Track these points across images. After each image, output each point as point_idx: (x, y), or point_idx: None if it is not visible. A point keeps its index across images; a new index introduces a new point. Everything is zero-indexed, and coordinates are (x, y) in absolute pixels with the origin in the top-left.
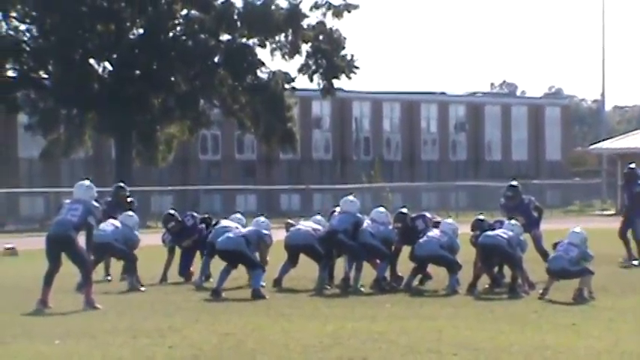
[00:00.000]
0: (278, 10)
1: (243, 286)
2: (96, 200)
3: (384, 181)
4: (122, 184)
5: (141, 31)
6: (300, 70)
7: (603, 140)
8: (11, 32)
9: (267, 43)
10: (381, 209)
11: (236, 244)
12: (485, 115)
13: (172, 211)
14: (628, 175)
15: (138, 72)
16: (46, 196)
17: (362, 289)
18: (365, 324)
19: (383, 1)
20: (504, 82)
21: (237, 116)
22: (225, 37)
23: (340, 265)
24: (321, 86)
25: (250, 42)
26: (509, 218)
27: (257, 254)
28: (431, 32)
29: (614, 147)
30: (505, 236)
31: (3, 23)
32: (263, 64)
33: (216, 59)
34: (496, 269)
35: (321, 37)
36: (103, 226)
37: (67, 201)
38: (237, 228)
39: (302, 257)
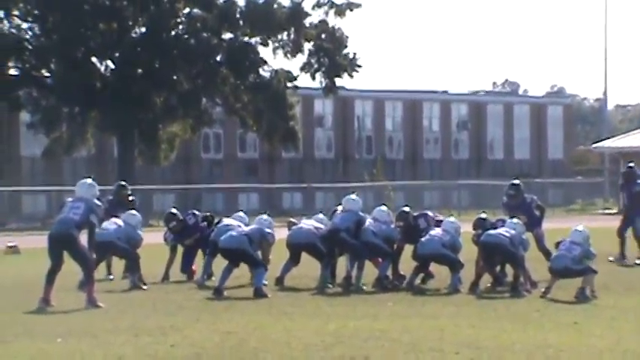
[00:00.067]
0: (280, 8)
1: (245, 284)
2: (98, 199)
3: (386, 180)
4: (123, 183)
5: (143, 29)
6: (302, 69)
7: (605, 139)
8: (13, 30)
9: (270, 42)
10: (383, 208)
11: (239, 243)
12: (487, 113)
13: (174, 210)
14: (627, 175)
15: (140, 70)
16: (48, 194)
17: (364, 287)
18: (367, 322)
19: None
20: (507, 80)
21: (239, 115)
22: (227, 35)
23: (342, 263)
24: (324, 85)
25: (252, 40)
26: (512, 217)
27: (259, 253)
28: (433, 31)
29: (616, 146)
30: (507, 235)
31: (5, 22)
32: (265, 62)
33: (218, 58)
34: (498, 268)
35: (323, 36)
36: (105, 224)
37: (70, 199)
38: (239, 226)
39: (304, 256)
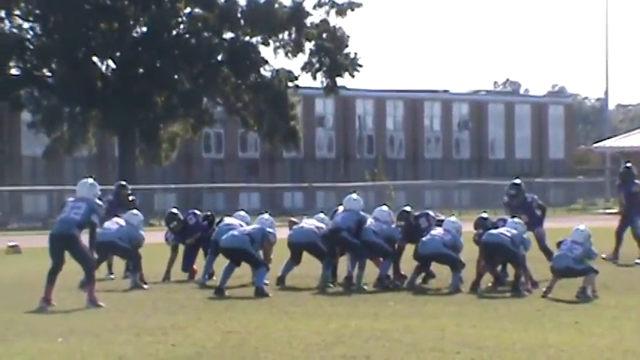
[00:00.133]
0: (281, 8)
1: (247, 284)
2: (99, 198)
3: (387, 180)
4: (124, 183)
5: (144, 29)
6: (303, 69)
7: (606, 139)
8: (15, 30)
9: (271, 42)
10: (384, 208)
11: (240, 242)
12: (488, 113)
13: (175, 210)
14: (624, 175)
15: (141, 70)
16: (49, 194)
17: (365, 287)
18: (368, 322)
19: None
20: (508, 80)
21: (240, 114)
22: (228, 35)
23: (343, 263)
24: (325, 84)
25: (253, 40)
26: (513, 216)
27: (261, 252)
28: (434, 30)
29: (617, 145)
30: (508, 234)
31: (6, 21)
32: (266, 62)
33: (219, 57)
34: (499, 268)
35: (324, 36)
36: (107, 224)
37: (71, 199)
38: (241, 226)
39: (305, 255)
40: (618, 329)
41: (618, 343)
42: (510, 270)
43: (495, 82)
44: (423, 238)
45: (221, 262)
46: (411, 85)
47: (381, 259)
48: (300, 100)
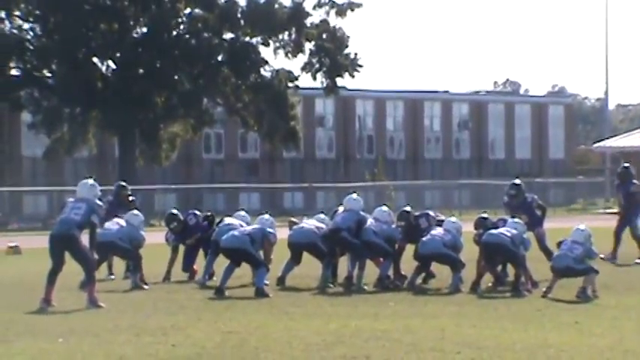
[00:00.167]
0: (281, 8)
1: (247, 284)
2: (99, 199)
3: (387, 180)
4: (123, 183)
5: (144, 29)
6: (303, 69)
7: (606, 139)
8: (15, 31)
9: (271, 42)
10: (384, 208)
11: (240, 243)
12: (488, 113)
13: (175, 211)
14: (622, 175)
15: (141, 71)
16: (49, 194)
17: (365, 287)
18: (368, 322)
19: None
20: (507, 80)
21: (240, 115)
22: (228, 35)
23: (343, 263)
24: (325, 85)
25: (253, 40)
26: (513, 216)
27: (261, 253)
28: (434, 31)
29: (617, 145)
30: (508, 234)
31: (6, 22)
32: (266, 62)
33: (219, 58)
34: (499, 268)
35: (324, 36)
36: (107, 224)
37: (71, 200)
38: (241, 226)
39: (305, 255)
40: (618, 329)
41: (618, 343)
42: (510, 270)
43: (495, 82)
44: (423, 238)
45: (221, 263)
46: (411, 85)
47: (381, 259)
48: (300, 100)
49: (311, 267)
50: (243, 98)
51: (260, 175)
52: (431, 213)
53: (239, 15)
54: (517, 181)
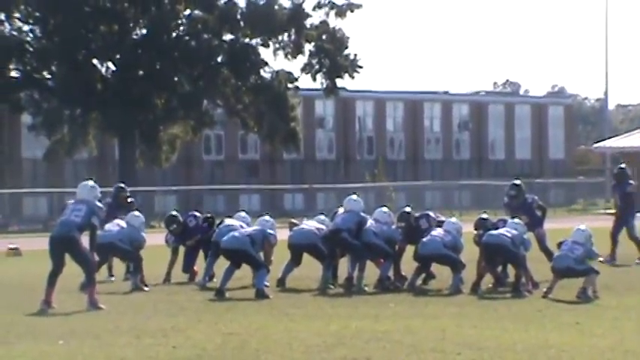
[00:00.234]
0: (281, 9)
1: (247, 285)
2: (99, 200)
3: (387, 181)
4: (122, 185)
5: (144, 31)
6: (303, 70)
7: (606, 139)
8: (14, 33)
9: (270, 43)
10: (384, 209)
11: (241, 244)
12: (488, 114)
13: (174, 213)
14: (618, 176)
15: (141, 72)
16: (49, 196)
17: (365, 288)
18: (368, 323)
19: (386, 0)
20: (507, 81)
21: (240, 116)
22: (228, 37)
23: (344, 264)
24: (325, 86)
25: (253, 42)
26: (513, 217)
27: (261, 254)
28: (434, 31)
29: (617, 146)
30: (509, 235)
31: (6, 24)
32: (266, 63)
33: (219, 59)
34: (500, 268)
35: (324, 37)
36: (108, 226)
37: (71, 201)
38: (242, 227)
39: (305, 257)
40: (619, 330)
41: (619, 344)
42: (511, 271)
43: (495, 83)
44: (424, 239)
45: (221, 264)
46: (411, 86)
47: (382, 260)
48: (300, 101)
49: (311, 268)
50: (243, 99)
51: (260, 177)
52: (431, 214)
53: (239, 16)
54: (517, 182)
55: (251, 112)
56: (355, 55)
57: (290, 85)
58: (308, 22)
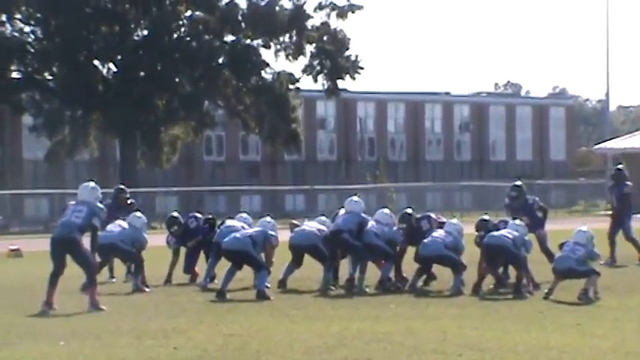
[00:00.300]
0: (282, 11)
1: (248, 287)
2: (100, 202)
3: (388, 182)
4: (122, 187)
5: (145, 32)
6: (304, 71)
7: (608, 140)
8: (16, 34)
9: (272, 44)
10: (386, 210)
11: (242, 245)
12: (489, 115)
13: (175, 214)
14: (616, 176)
15: (142, 73)
16: (50, 197)
17: (367, 289)
18: (370, 325)
19: (387, 1)
20: (509, 82)
21: (241, 117)
22: (229, 38)
23: (345, 265)
24: (326, 87)
25: (254, 43)
26: (514, 218)
27: (262, 255)
28: (435, 32)
29: (618, 147)
30: (510, 236)
31: (8, 25)
32: (267, 64)
33: (220, 60)
34: (501, 270)
35: (325, 38)
36: (110, 227)
37: (72, 202)
38: (243, 228)
39: (306, 258)
40: (620, 331)
41: (620, 345)
42: (512, 272)
43: (496, 84)
44: (425, 240)
45: (223, 265)
46: (412, 87)
47: (383, 261)
48: (301, 102)
49: (312, 269)
50: (244, 100)
51: (261, 178)
52: (432, 215)
53: (240, 17)
54: (518, 183)
55: (252, 113)
56: (356, 56)
57: (291, 86)
58: (309, 24)
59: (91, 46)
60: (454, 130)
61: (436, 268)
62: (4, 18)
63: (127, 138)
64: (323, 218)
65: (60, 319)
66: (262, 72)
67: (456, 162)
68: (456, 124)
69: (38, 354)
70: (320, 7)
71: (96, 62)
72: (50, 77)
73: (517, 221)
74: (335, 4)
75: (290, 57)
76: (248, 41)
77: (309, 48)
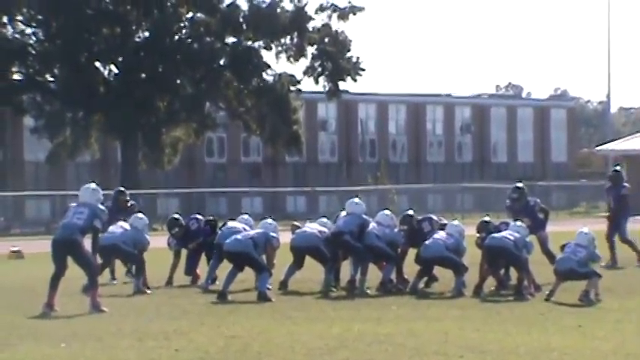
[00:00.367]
0: (283, 12)
1: (250, 288)
2: (102, 203)
3: (389, 183)
4: (122, 189)
5: (146, 34)
6: (305, 73)
7: (609, 142)
8: (17, 36)
9: (273, 46)
10: (387, 212)
11: (243, 246)
12: (490, 116)
13: (176, 216)
14: (614, 178)
15: (143, 75)
16: (52, 199)
17: (368, 291)
18: (371, 326)
19: (388, 3)
20: (510, 83)
21: (242, 119)
22: (230, 39)
23: (346, 267)
24: (327, 88)
25: (256, 44)
26: (515, 220)
27: (263, 257)
28: (436, 34)
29: (619, 148)
30: (511, 238)
31: (9, 27)
32: (268, 66)
33: (221, 62)
34: (502, 271)
35: (326, 40)
36: (112, 228)
37: (73, 204)
38: (244, 229)
39: (308, 259)
40: (621, 332)
41: (621, 347)
42: (513, 273)
43: (497, 86)
44: (426, 242)
45: (224, 267)
46: (414, 88)
47: (384, 263)
48: (302, 104)
49: (313, 271)
50: (246, 102)
51: (262, 179)
52: (433, 217)
53: (241, 19)
54: (519, 185)
55: (253, 114)
56: (358, 57)
57: (292, 88)
58: (310, 25)
59: (92, 47)
60: (455, 131)
61: (437, 270)
62: (5, 19)
63: (129, 140)
64: (324, 220)
65: (61, 321)
66: (263, 74)
67: (457, 163)
68: (457, 126)
69: (39, 355)
70: (321, 8)
71: (97, 64)
72: (51, 79)
73: (518, 223)
74: (336, 6)
75: (291, 59)
76: (249, 43)
77: (311, 50)
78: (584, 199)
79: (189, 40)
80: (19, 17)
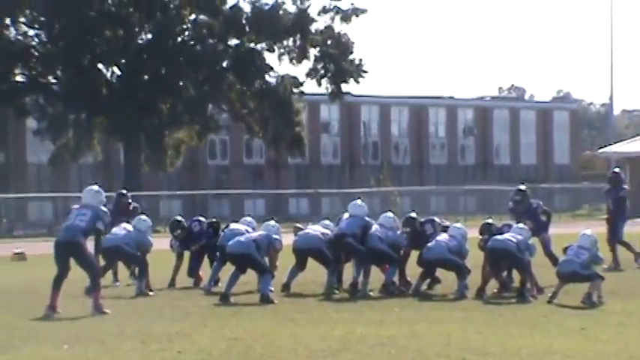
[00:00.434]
0: (286, 14)
1: (252, 290)
2: (104, 205)
3: (392, 186)
4: (124, 192)
5: (149, 36)
6: (308, 75)
7: (612, 144)
8: (20, 37)
9: (276, 48)
10: (390, 214)
11: (246, 248)
12: (493, 119)
13: (179, 218)
14: (613, 180)
15: (146, 77)
16: (54, 201)
17: (370, 293)
18: (374, 328)
19: (391, 5)
20: (512, 86)
21: (245, 121)
22: (233, 41)
23: (349, 269)
24: (330, 91)
25: (258, 47)
26: (518, 222)
27: (266, 259)
28: (439, 36)
29: (622, 151)
30: (514, 240)
31: (12, 28)
32: (271, 68)
33: (224, 64)
34: (505, 273)
35: (329, 42)
36: (115, 230)
37: (76, 206)
38: (247, 231)
39: (310, 262)
40: (624, 335)
41: (624, 349)
42: (516, 276)
43: (500, 88)
44: (428, 244)
45: (227, 269)
46: (416, 91)
47: (387, 265)
48: (305, 106)
49: (316, 273)
50: (248, 104)
51: (265, 181)
52: (436, 219)
53: (244, 21)
54: (522, 187)
55: (256, 116)
56: (360, 60)
57: (295, 90)
58: (313, 27)
59: (95, 49)
60: (458, 134)
61: (440, 272)
62: (8, 21)
63: (131, 142)
64: (327, 222)
65: (64, 323)
66: (266, 76)
67: (459, 166)
68: (460, 128)
69: (42, 357)
70: (324, 10)
71: (100, 66)
72: (54, 81)
73: (521, 225)
74: (339, 8)
75: (294, 61)
76: (252, 45)
77: (313, 52)
78: (587, 202)
79: (192, 42)
80: (22, 19)
